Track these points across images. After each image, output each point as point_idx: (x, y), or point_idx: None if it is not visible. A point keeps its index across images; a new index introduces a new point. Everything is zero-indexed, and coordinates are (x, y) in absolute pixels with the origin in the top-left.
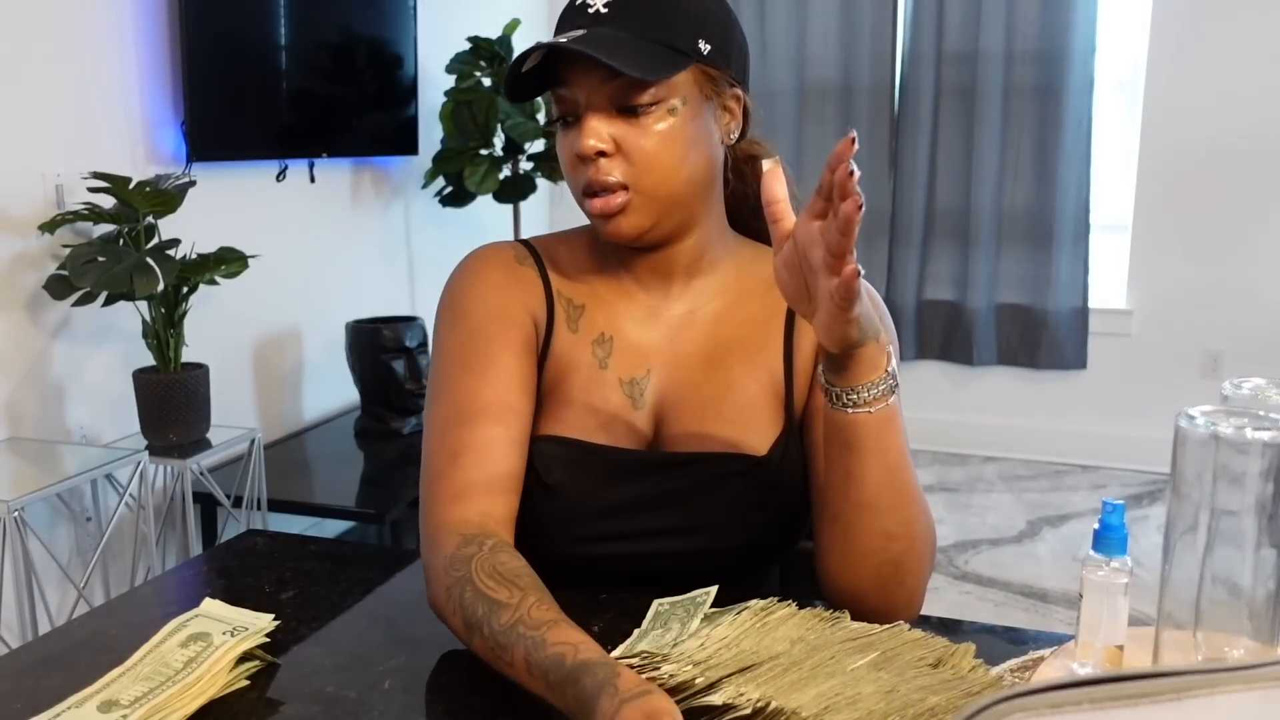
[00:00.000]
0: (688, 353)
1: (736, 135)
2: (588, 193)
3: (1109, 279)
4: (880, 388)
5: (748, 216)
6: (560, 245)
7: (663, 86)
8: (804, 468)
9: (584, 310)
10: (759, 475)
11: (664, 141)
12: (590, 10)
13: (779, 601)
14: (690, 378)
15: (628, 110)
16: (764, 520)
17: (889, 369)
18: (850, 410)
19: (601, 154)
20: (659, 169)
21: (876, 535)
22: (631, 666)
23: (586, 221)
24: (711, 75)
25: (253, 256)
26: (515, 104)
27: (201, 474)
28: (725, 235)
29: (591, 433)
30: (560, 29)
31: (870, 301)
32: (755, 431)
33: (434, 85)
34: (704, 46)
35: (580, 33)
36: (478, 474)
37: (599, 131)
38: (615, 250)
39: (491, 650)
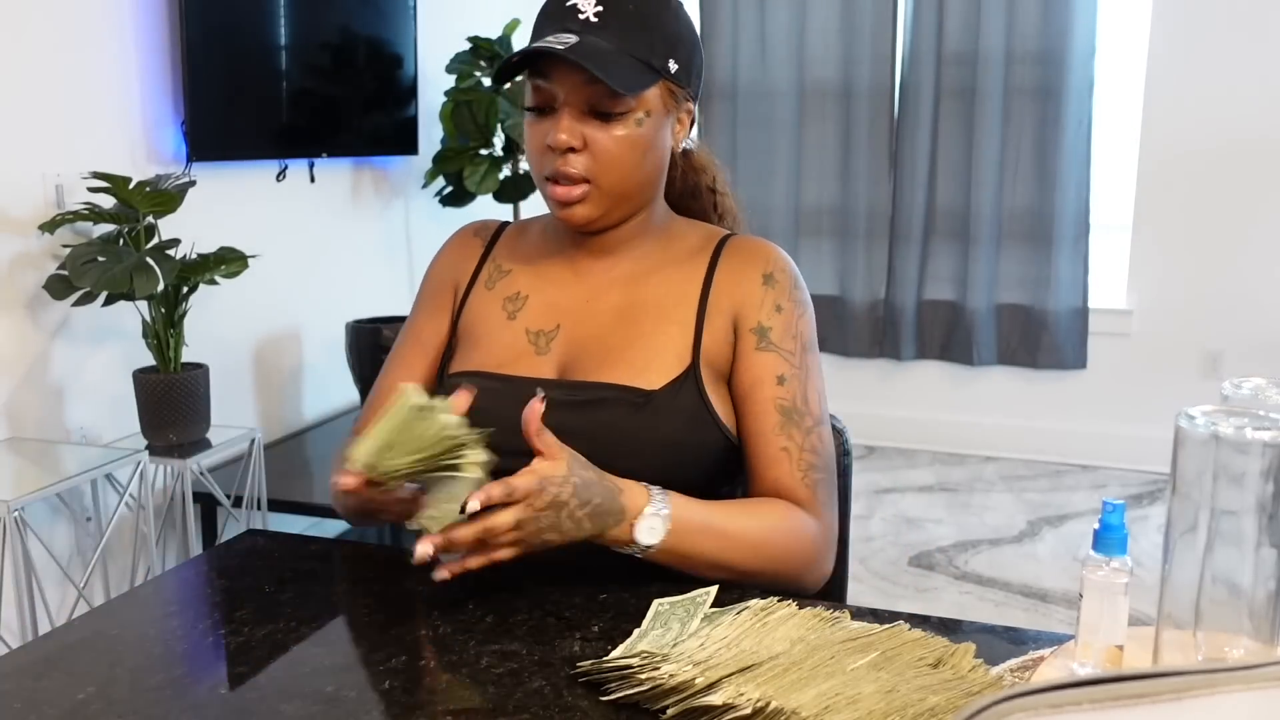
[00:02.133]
0: (602, 310)
1: (684, 144)
2: (551, 179)
3: (1109, 279)
4: (629, 551)
5: (674, 198)
6: (532, 222)
7: (635, 98)
8: (703, 414)
9: (509, 274)
10: (646, 407)
11: (628, 146)
12: (581, 16)
13: (779, 601)
14: (599, 331)
15: (601, 114)
16: (651, 448)
17: (633, 544)
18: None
19: (571, 149)
20: (619, 169)
21: (744, 580)
22: (631, 666)
23: None
24: (674, 91)
25: (253, 256)
26: (499, 85)
27: (201, 474)
28: (660, 214)
29: (498, 365)
30: (548, 26)
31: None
32: (654, 373)
33: (434, 85)
34: (673, 65)
35: (573, 39)
36: (371, 414)
37: (573, 128)
38: (563, 228)
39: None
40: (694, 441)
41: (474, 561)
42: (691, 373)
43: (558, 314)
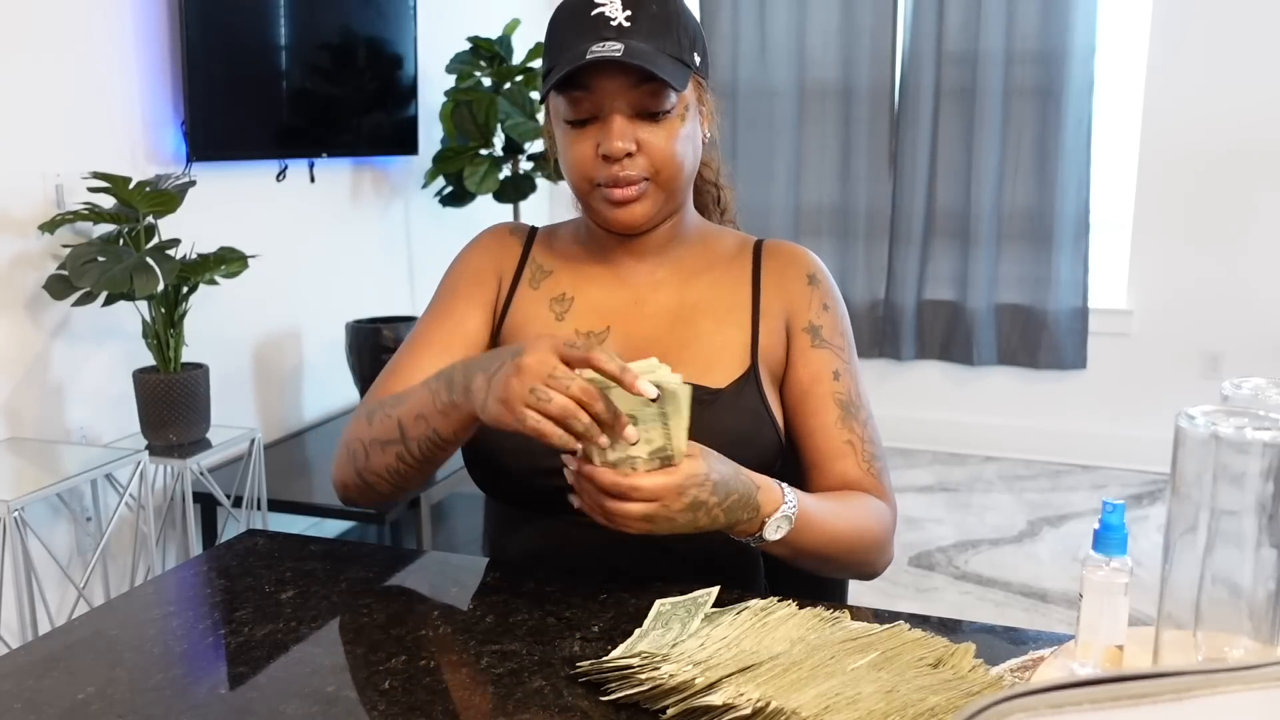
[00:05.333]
0: (652, 313)
1: (709, 134)
2: (608, 185)
3: (1109, 279)
4: (747, 540)
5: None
6: (560, 227)
7: (677, 94)
8: (763, 413)
9: (551, 274)
10: (714, 406)
11: (678, 142)
12: (613, 23)
13: (779, 601)
14: (653, 332)
15: (650, 115)
16: (717, 446)
17: (758, 534)
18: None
19: (628, 154)
20: (673, 166)
21: (815, 572)
22: (631, 666)
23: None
24: (700, 84)
25: (253, 256)
26: (542, 101)
27: (201, 474)
28: (692, 217)
29: None
30: (580, 39)
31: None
32: (717, 372)
33: (434, 85)
34: (697, 59)
35: (617, 45)
36: (398, 386)
37: (626, 134)
38: (599, 232)
39: (385, 419)
40: (755, 441)
41: (588, 505)
42: (752, 373)
43: (605, 316)
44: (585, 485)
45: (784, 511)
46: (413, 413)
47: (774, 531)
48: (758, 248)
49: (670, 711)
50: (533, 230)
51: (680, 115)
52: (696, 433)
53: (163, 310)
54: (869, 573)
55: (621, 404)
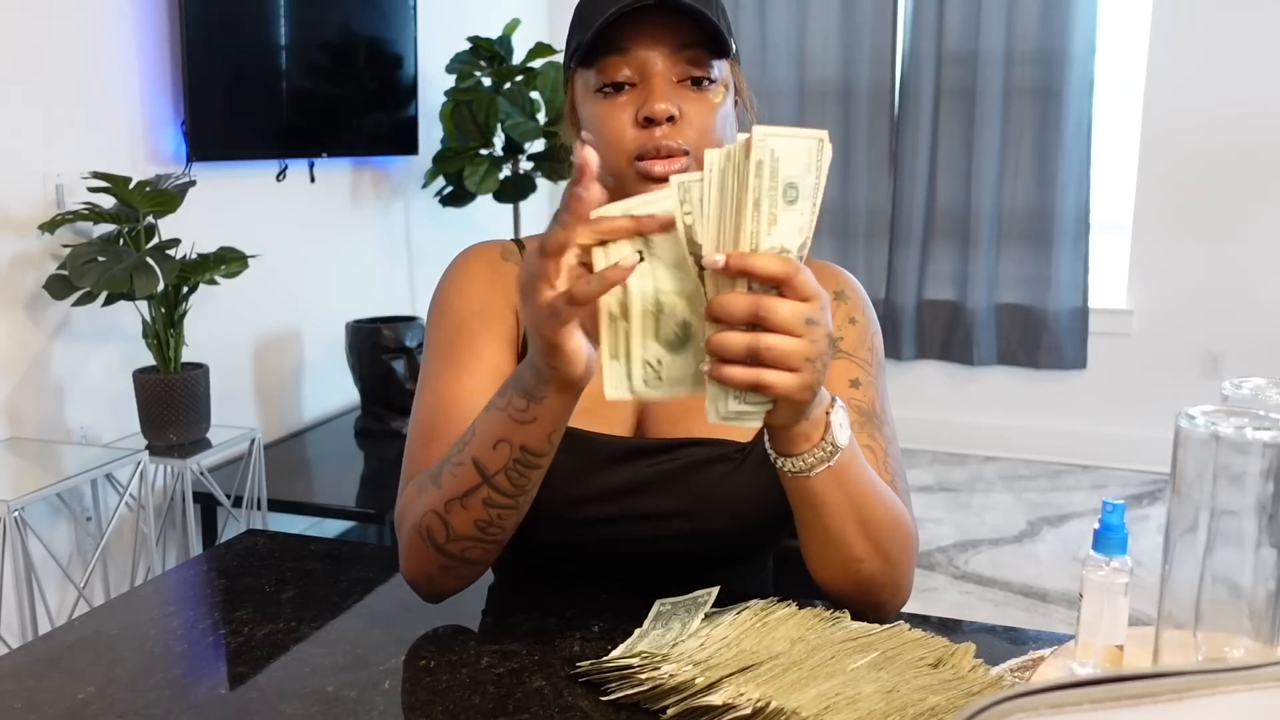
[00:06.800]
0: None
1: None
2: (648, 156)
3: (1109, 279)
4: (814, 457)
5: None
6: None
7: (720, 67)
8: None
9: None
10: (743, 461)
11: (720, 118)
12: None
13: (779, 601)
14: None
15: (694, 82)
16: (750, 505)
17: (826, 438)
18: (790, 474)
19: (670, 118)
20: (716, 143)
21: (846, 562)
22: (631, 666)
23: None
24: (737, 70)
25: (253, 256)
26: (585, 63)
27: (201, 474)
28: None
29: (575, 418)
30: (616, 3)
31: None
32: None
33: (434, 85)
34: (733, 46)
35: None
36: (419, 460)
37: (670, 95)
38: None
39: (456, 469)
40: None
41: (715, 344)
42: None
43: None
44: (728, 303)
45: (839, 403)
46: (488, 444)
47: (839, 429)
48: None
49: (670, 711)
50: (519, 246)
51: (721, 93)
52: (734, 497)
53: (163, 310)
54: (891, 593)
55: (787, 166)
